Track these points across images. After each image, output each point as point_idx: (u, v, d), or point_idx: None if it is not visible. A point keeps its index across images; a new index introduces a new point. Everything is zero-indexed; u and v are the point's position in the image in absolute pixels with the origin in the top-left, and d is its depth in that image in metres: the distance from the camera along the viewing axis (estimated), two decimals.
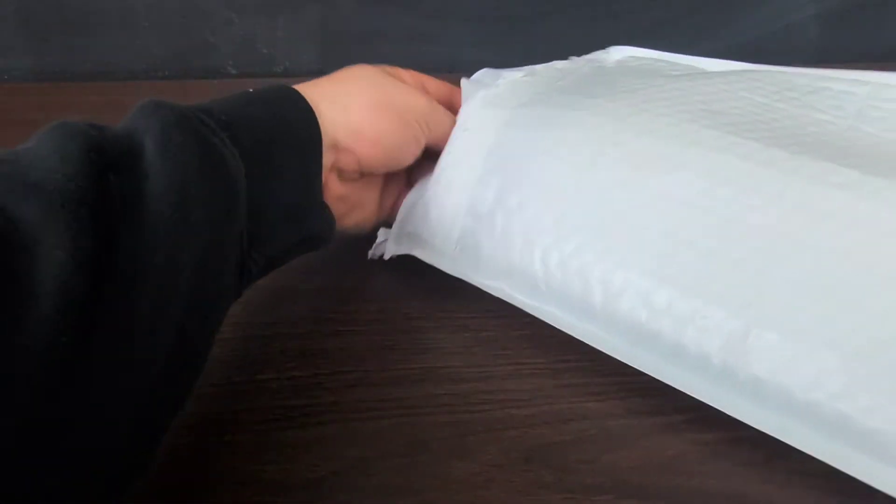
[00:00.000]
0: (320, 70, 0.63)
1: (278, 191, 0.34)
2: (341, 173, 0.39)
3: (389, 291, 0.42)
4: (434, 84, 0.44)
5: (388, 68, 0.42)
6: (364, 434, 0.35)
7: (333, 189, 0.38)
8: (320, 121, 0.36)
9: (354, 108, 0.38)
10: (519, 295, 0.39)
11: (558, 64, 0.47)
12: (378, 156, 0.39)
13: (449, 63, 0.61)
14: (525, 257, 0.38)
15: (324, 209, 0.37)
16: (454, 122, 0.43)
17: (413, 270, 0.42)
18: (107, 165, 0.26)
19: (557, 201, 0.37)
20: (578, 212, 0.37)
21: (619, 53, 0.50)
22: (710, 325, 0.33)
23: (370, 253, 0.43)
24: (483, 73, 0.45)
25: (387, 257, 0.43)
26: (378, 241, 0.44)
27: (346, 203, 0.40)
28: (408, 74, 0.43)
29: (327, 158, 0.36)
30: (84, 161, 0.26)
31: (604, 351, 0.36)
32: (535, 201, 0.38)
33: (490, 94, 0.43)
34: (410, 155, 0.41)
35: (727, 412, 0.33)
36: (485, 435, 0.35)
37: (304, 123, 0.36)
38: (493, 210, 0.39)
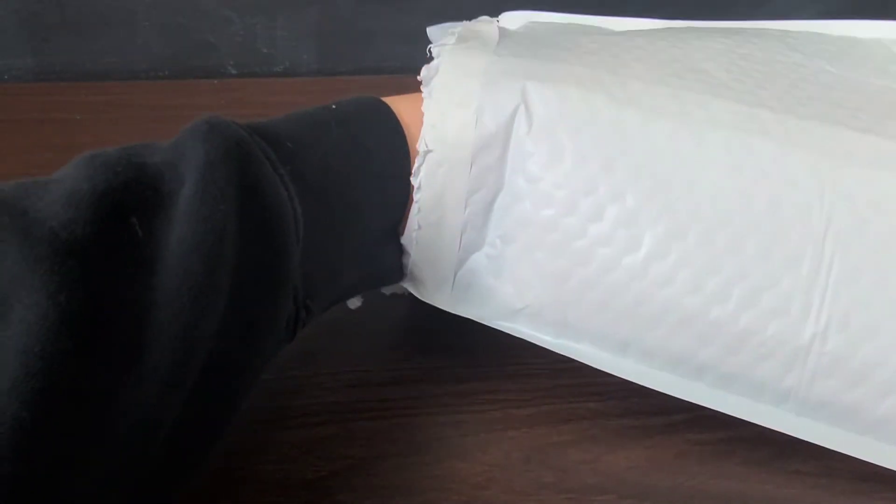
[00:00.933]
0: (320, 70, 0.63)
1: (348, 233, 0.30)
2: None
3: None
4: None
5: None
6: (364, 434, 0.35)
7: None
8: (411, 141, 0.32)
9: None
10: (542, 334, 0.34)
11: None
12: None
13: None
14: (548, 285, 0.33)
15: (399, 248, 0.33)
16: None
17: None
18: (129, 208, 0.23)
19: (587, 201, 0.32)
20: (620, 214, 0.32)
21: (514, 20, 0.43)
22: (769, 342, 0.31)
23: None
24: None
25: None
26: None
27: None
28: None
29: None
30: (92, 205, 0.22)
31: (650, 387, 0.33)
32: (547, 208, 0.32)
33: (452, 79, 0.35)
34: None
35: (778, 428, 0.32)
36: (485, 435, 0.35)
37: (389, 148, 0.32)
38: (503, 216, 0.33)
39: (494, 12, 0.60)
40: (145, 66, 0.61)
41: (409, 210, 0.33)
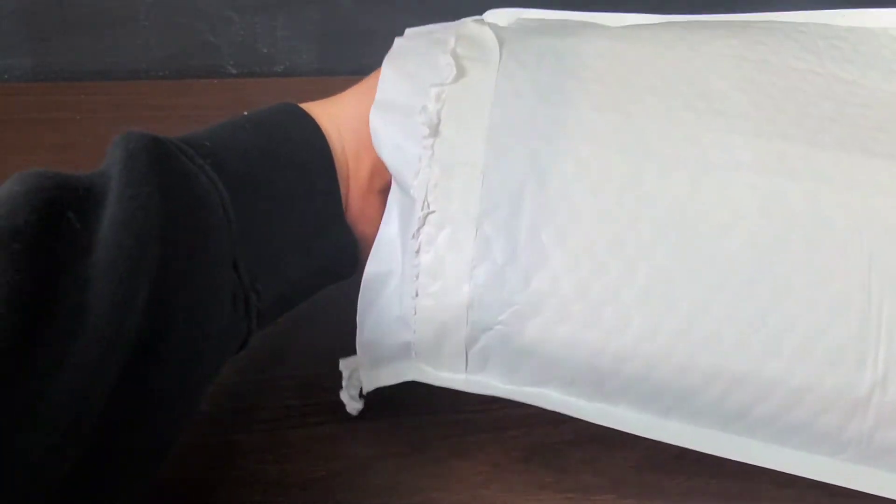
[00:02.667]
0: (320, 70, 0.63)
1: (279, 218, 0.30)
2: (383, 186, 0.33)
3: None
4: None
5: None
6: (364, 434, 0.34)
7: (374, 205, 0.33)
8: (338, 135, 0.32)
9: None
10: (576, 398, 0.31)
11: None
12: None
13: None
14: (580, 358, 0.30)
15: (342, 234, 0.33)
16: None
17: None
18: (65, 204, 0.25)
19: (615, 257, 0.29)
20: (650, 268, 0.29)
21: (501, 17, 0.38)
22: (828, 396, 0.29)
23: (347, 405, 0.34)
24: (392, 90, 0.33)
25: (367, 390, 0.33)
26: (344, 377, 0.35)
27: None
28: None
29: (359, 173, 0.33)
30: (29, 201, 0.24)
31: (699, 449, 0.31)
32: (571, 260, 0.29)
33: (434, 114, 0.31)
34: None
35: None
36: (485, 435, 0.35)
37: (305, 140, 0.32)
38: (519, 290, 0.29)
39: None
40: (145, 66, 0.61)
41: (347, 201, 0.32)
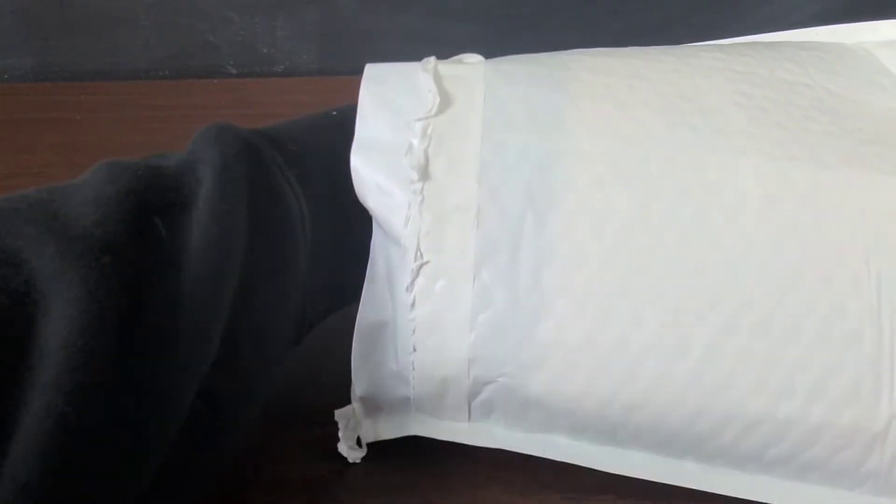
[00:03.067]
0: (320, 70, 0.63)
1: (350, 234, 0.30)
2: None
3: None
4: None
5: None
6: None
7: None
8: None
9: None
10: (587, 443, 0.30)
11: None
12: None
13: None
14: (590, 409, 0.29)
15: None
16: None
17: None
18: (153, 208, 0.24)
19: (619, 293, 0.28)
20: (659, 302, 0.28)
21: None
22: (845, 432, 0.28)
23: (349, 456, 0.33)
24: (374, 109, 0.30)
25: (367, 441, 0.32)
26: (341, 427, 0.33)
27: None
28: None
29: None
30: (120, 205, 0.23)
31: (712, 491, 0.30)
32: (578, 303, 0.28)
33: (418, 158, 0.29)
34: None
35: None
36: None
37: None
38: (522, 341, 0.28)
39: (495, 12, 0.60)
40: (145, 66, 0.61)
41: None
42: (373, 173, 0.29)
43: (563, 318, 0.28)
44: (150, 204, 0.24)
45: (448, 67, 0.32)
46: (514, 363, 0.28)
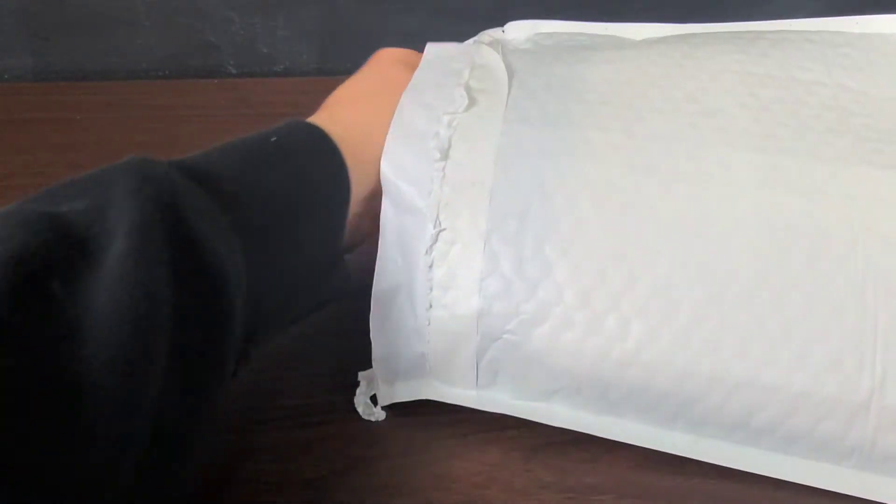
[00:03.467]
0: (320, 70, 0.63)
1: (293, 269, 0.30)
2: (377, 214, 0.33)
3: None
4: None
5: (413, 59, 0.37)
6: (364, 434, 0.34)
7: (369, 223, 0.33)
8: (351, 170, 0.32)
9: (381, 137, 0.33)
10: (583, 412, 0.33)
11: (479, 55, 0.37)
12: None
13: None
14: (585, 365, 0.31)
15: (341, 269, 0.33)
16: None
17: None
18: (51, 271, 0.21)
19: (622, 264, 0.31)
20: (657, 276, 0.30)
21: (521, 30, 0.41)
22: (826, 402, 0.30)
23: (371, 415, 0.35)
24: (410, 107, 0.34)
25: (382, 404, 0.35)
26: (359, 390, 0.35)
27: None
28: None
29: (361, 206, 0.32)
30: (9, 275, 0.20)
31: (702, 459, 0.32)
32: (587, 270, 0.31)
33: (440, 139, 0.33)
34: None
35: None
36: (485, 435, 0.35)
37: (332, 183, 0.31)
38: (525, 300, 0.31)
39: (496, 12, 0.60)
40: (145, 66, 0.61)
41: (351, 229, 0.32)
42: (404, 154, 0.32)
43: (561, 280, 0.31)
44: (47, 267, 0.21)
45: (479, 79, 0.35)
46: (518, 319, 0.31)
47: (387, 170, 0.32)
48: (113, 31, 0.60)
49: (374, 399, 0.35)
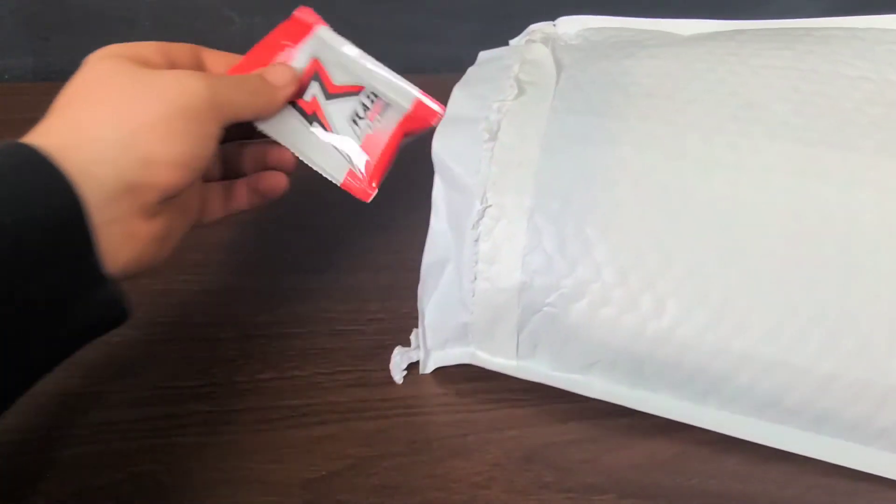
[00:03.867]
0: None
1: (21, 297, 0.25)
2: (148, 209, 0.29)
3: (390, 291, 0.42)
4: (206, 54, 0.38)
5: (131, 51, 0.33)
6: (364, 434, 0.35)
7: (143, 233, 0.29)
8: (87, 175, 0.27)
9: (140, 134, 0.29)
10: (618, 385, 0.34)
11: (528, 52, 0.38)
12: (184, 175, 0.30)
13: (450, 63, 0.61)
14: (621, 340, 0.32)
15: (104, 289, 0.28)
16: (247, 85, 0.34)
17: (413, 268, 0.42)
18: None
19: (654, 247, 0.32)
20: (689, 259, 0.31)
21: (571, 25, 0.42)
22: (855, 385, 0.31)
23: (399, 378, 0.37)
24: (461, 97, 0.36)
25: (426, 371, 0.37)
26: (394, 358, 0.37)
27: (169, 231, 0.31)
28: (153, 50, 0.33)
29: (115, 208, 0.28)
30: None
31: (733, 434, 0.33)
32: (622, 252, 0.32)
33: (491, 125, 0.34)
34: (213, 150, 0.31)
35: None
36: (485, 435, 0.35)
37: (56, 202, 0.26)
38: (565, 275, 0.32)
39: (496, 11, 0.60)
40: None
41: (109, 239, 0.28)
42: (455, 137, 0.34)
43: (600, 258, 0.32)
44: None
45: (528, 73, 0.37)
46: (557, 293, 0.32)
47: (438, 150, 0.34)
48: (113, 31, 0.60)
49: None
